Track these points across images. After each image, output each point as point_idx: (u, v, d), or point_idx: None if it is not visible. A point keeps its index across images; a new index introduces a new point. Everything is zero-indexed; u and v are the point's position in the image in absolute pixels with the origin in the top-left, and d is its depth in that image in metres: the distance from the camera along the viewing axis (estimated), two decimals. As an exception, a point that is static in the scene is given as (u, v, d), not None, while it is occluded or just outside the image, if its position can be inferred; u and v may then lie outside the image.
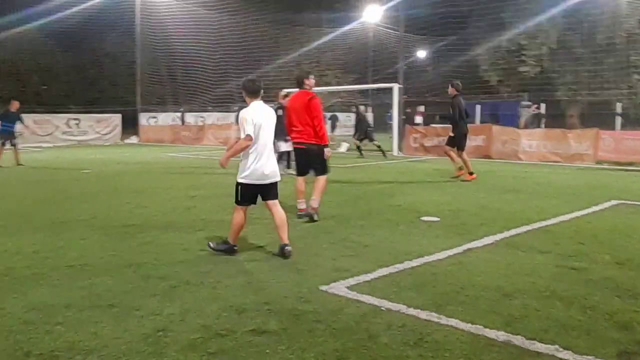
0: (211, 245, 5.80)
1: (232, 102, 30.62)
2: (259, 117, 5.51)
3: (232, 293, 4.49)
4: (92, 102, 35.20)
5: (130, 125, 30.01)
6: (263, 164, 5.55)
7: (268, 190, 5.69)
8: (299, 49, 34.72)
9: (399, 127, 19.03)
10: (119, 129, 29.16)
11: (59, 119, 27.62)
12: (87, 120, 28.50)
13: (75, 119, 28.18)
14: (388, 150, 18.14)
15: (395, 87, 18.46)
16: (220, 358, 3.34)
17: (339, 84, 33.48)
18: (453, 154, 11.86)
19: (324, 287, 4.61)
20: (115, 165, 15.98)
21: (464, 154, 11.73)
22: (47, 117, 27.34)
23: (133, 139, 29.16)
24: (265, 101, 5.84)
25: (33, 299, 4.38)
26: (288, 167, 11.97)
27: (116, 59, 38.70)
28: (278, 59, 34.17)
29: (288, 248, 5.60)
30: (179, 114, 31.54)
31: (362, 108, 18.66)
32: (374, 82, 32.53)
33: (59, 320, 3.92)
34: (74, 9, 30.03)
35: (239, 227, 5.67)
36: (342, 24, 35.97)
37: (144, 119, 30.78)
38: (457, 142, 11.71)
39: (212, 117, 32.87)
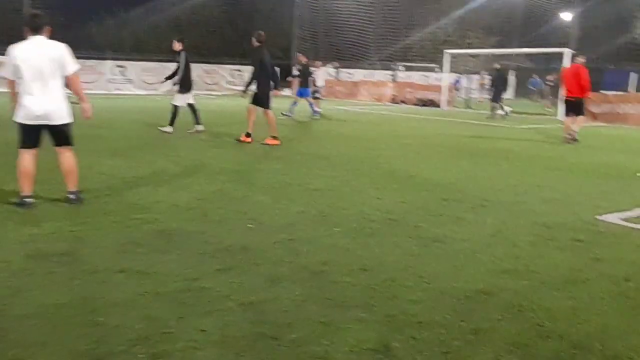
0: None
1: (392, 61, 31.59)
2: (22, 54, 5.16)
3: None
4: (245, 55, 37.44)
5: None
6: (34, 102, 5.19)
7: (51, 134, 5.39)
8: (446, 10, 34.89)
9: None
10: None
11: (224, 70, 30.31)
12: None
13: (238, 70, 30.61)
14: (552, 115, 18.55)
15: (566, 52, 18.55)
16: None
17: (480, 46, 33.63)
18: None
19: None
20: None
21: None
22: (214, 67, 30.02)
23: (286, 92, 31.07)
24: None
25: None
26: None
27: (269, 16, 40.50)
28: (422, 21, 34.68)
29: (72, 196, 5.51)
30: (334, 70, 33.13)
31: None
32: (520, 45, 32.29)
33: None
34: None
35: (25, 173, 5.29)
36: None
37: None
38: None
39: (359, 74, 34.20)
